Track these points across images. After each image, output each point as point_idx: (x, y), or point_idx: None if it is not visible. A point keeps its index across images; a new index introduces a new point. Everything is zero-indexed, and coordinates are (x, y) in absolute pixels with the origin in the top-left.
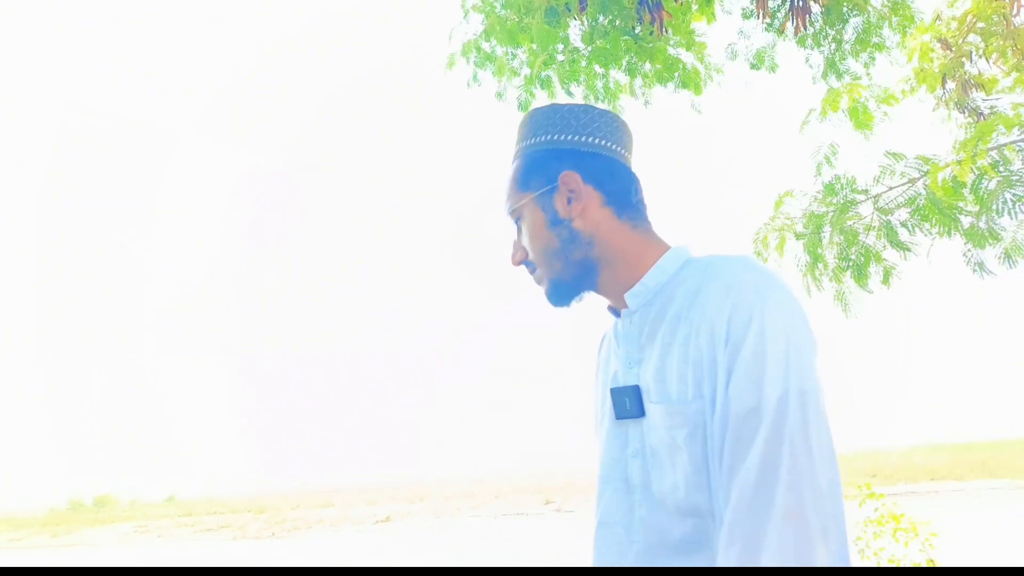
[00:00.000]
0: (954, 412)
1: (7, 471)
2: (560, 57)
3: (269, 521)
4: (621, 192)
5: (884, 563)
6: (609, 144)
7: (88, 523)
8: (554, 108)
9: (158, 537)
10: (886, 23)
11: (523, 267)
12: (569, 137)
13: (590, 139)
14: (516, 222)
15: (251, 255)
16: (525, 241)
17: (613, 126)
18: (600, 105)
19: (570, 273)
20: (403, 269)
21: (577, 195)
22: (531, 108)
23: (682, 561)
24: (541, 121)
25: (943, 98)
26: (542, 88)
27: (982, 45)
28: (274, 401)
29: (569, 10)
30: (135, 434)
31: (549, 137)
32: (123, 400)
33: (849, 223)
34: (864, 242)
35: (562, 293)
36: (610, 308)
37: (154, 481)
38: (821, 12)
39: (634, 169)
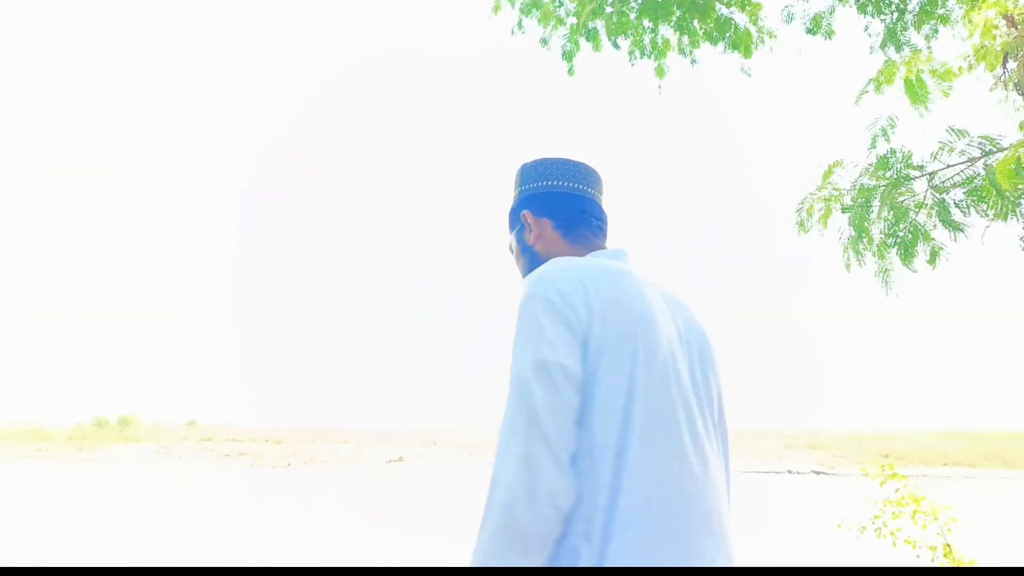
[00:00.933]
0: (972, 400)
1: (35, 386)
2: (608, 8)
3: (285, 452)
4: (567, 217)
5: (900, 544)
6: (557, 183)
7: (112, 440)
8: (521, 168)
9: (179, 459)
10: None
11: None
12: (528, 186)
13: (541, 183)
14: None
15: (257, 247)
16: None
17: (563, 169)
18: (646, 61)
19: None
20: (411, 250)
21: (532, 226)
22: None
23: None
24: (515, 180)
25: (1002, 78)
26: (588, 40)
27: None
28: (288, 348)
29: None
30: (157, 360)
31: (518, 191)
32: (142, 334)
33: (900, 199)
34: (914, 219)
35: None
36: None
37: (176, 406)
38: None
39: (599, 197)
